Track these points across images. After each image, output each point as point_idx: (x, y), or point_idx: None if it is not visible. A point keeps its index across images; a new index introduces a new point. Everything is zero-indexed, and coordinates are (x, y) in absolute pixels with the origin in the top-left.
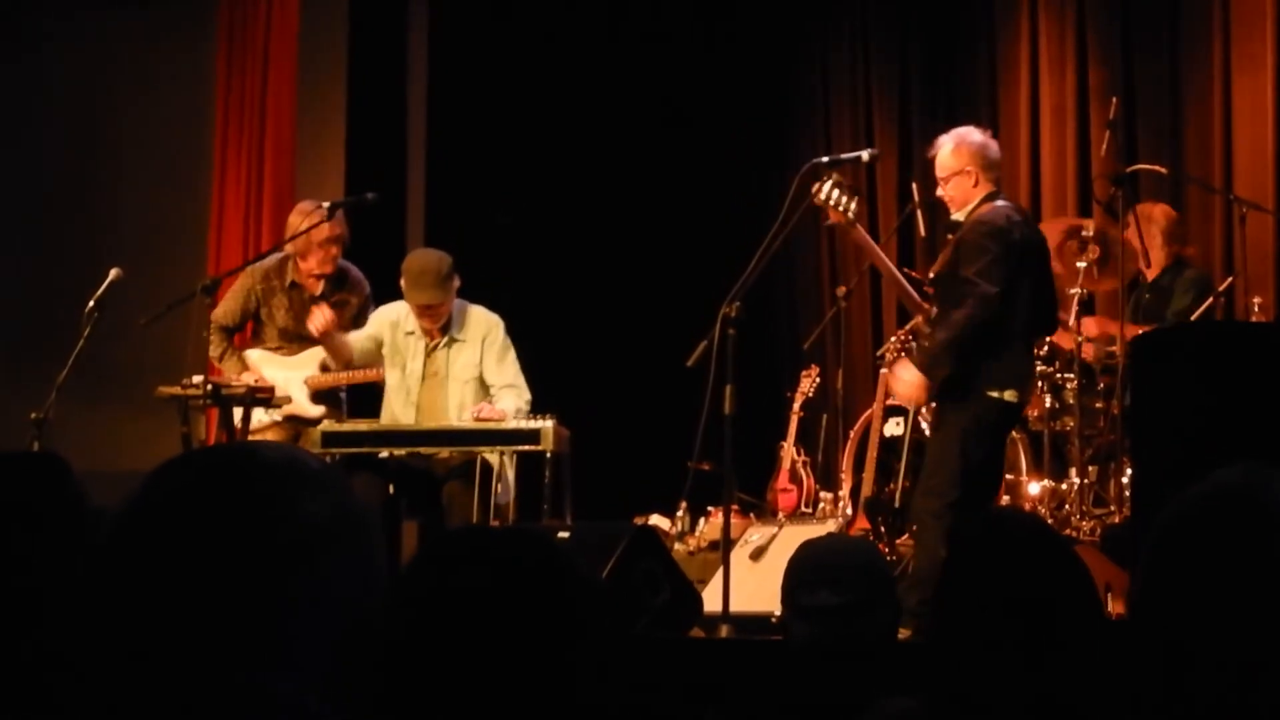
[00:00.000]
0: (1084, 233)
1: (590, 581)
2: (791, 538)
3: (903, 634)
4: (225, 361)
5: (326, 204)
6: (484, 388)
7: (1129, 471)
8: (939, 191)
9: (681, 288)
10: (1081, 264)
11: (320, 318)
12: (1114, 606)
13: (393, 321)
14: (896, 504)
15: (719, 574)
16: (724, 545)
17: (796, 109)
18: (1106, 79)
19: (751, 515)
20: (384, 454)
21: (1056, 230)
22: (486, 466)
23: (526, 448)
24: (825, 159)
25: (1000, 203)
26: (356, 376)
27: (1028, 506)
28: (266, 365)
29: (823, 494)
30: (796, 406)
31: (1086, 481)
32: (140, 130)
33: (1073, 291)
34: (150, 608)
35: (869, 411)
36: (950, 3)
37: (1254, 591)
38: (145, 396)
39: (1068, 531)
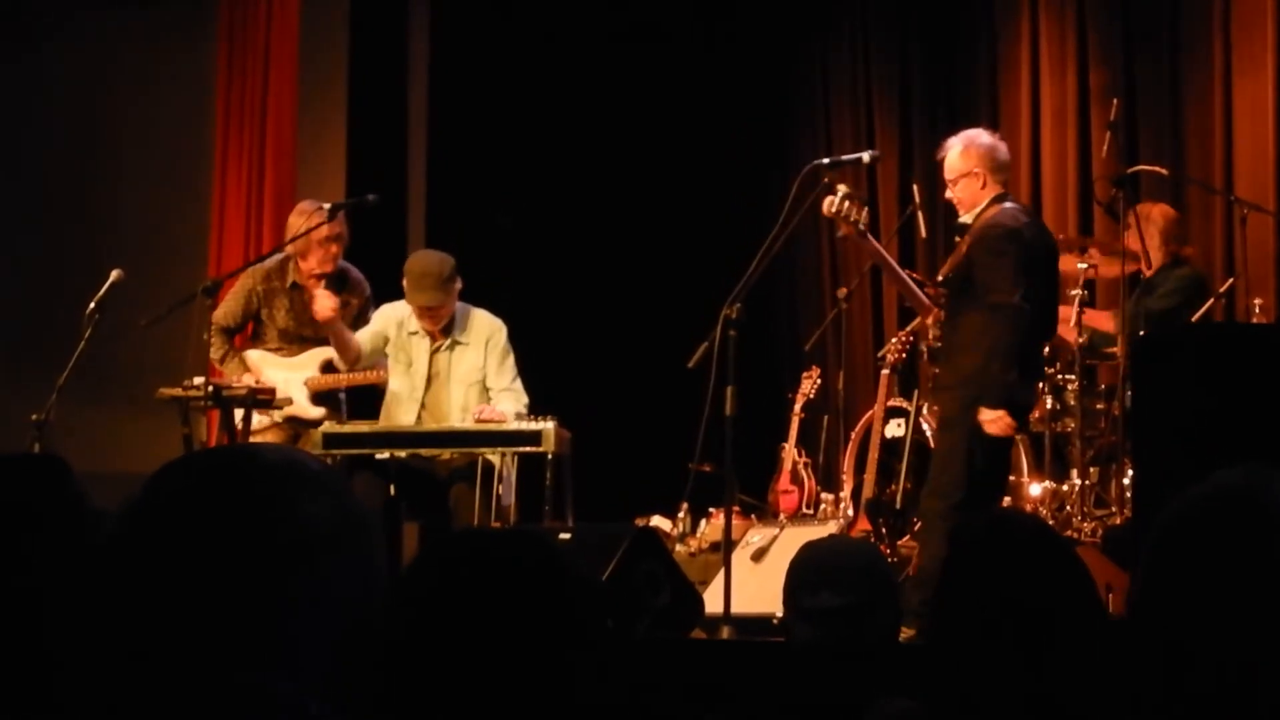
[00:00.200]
0: (1084, 263)
1: (589, 583)
2: (793, 539)
3: (906, 634)
4: (227, 364)
5: (327, 205)
6: (486, 391)
7: (1130, 473)
8: (948, 193)
9: (682, 289)
10: (1082, 265)
11: (324, 301)
12: (1115, 607)
13: (398, 320)
14: (898, 505)
15: (720, 575)
16: (725, 546)
17: (797, 109)
18: (1107, 80)
19: (753, 516)
20: (384, 455)
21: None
22: (488, 468)
23: (527, 449)
24: (826, 160)
25: (1009, 204)
26: (357, 378)
27: (1029, 508)
28: (267, 366)
29: (824, 495)
30: (797, 408)
31: (1087, 483)
32: (141, 131)
33: (1074, 293)
34: (151, 608)
35: (870, 413)
36: (951, 3)
37: (1254, 592)
38: (146, 398)
39: (1069, 533)
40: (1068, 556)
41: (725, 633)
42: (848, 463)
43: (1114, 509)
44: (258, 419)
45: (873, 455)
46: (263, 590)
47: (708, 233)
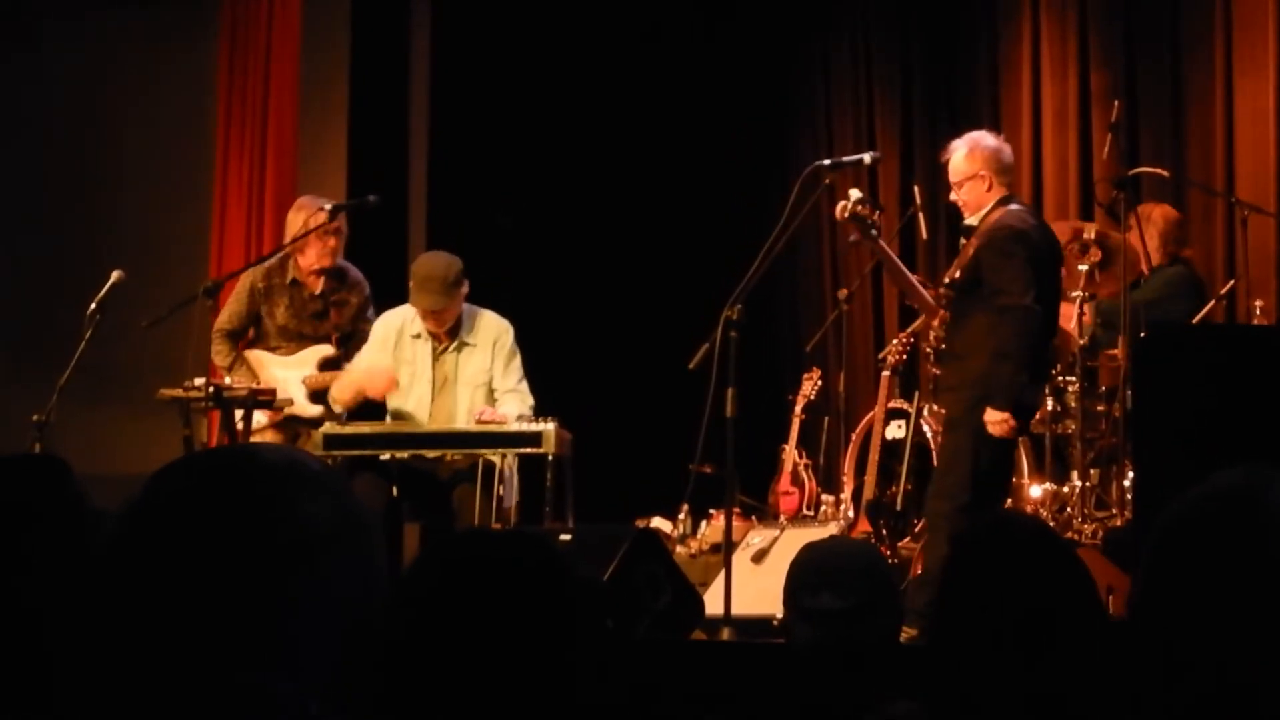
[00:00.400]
0: (1085, 235)
1: (590, 584)
2: (793, 540)
3: (911, 634)
4: (236, 370)
5: (328, 205)
6: (493, 393)
7: (1131, 474)
8: (952, 196)
9: (683, 290)
10: (1083, 267)
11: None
12: (1116, 609)
13: (398, 326)
14: (898, 507)
15: (721, 576)
16: (726, 548)
17: (797, 110)
18: (1108, 82)
19: (753, 518)
20: (385, 456)
21: (1058, 234)
22: (490, 469)
23: (528, 450)
24: (827, 162)
25: (1015, 206)
26: None
27: (1029, 509)
28: (267, 365)
29: (824, 497)
30: (798, 409)
31: (1088, 484)
32: (142, 131)
33: (1075, 295)
34: (151, 609)
35: (871, 414)
36: (952, 4)
37: (1254, 592)
38: (146, 399)
39: (1069, 534)
40: (1068, 558)
41: (725, 634)
42: (848, 464)
43: (1115, 511)
44: (257, 419)
45: (873, 457)
46: (263, 590)
47: (708, 234)
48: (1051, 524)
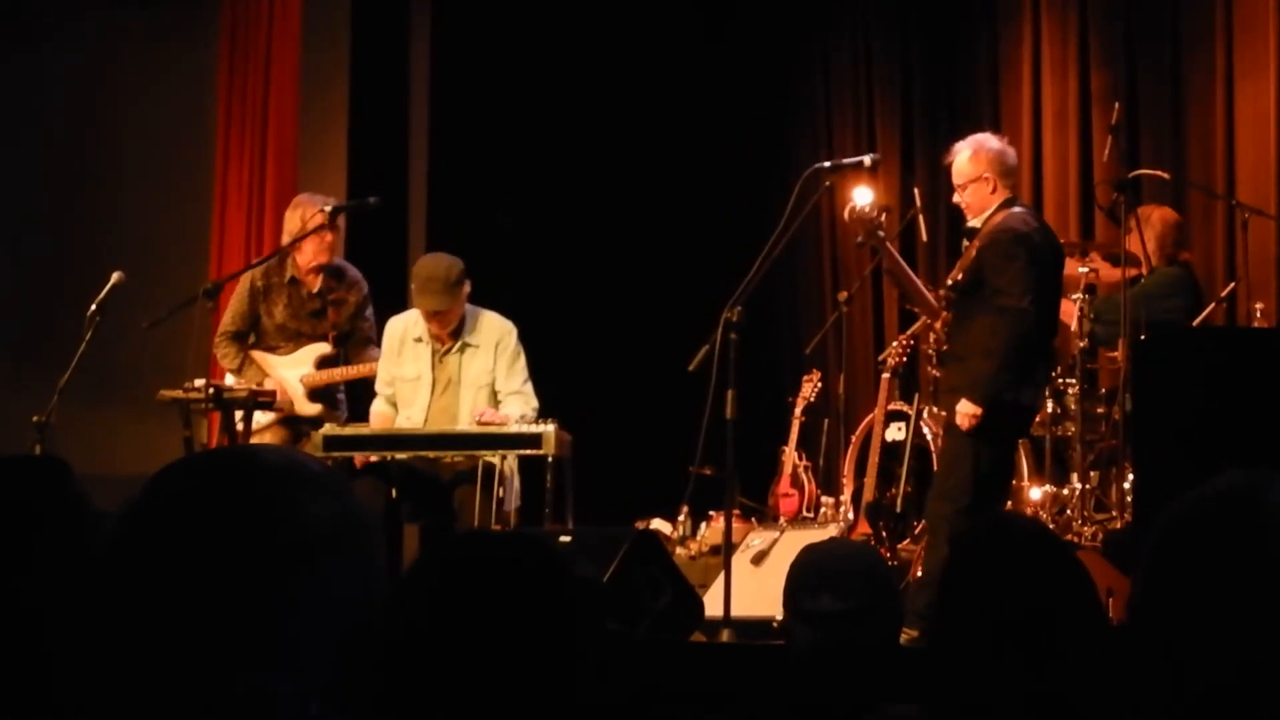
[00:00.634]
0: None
1: (590, 585)
2: (793, 542)
3: (911, 636)
4: (245, 371)
5: (328, 205)
6: (495, 394)
7: (1131, 477)
8: (955, 198)
9: (683, 292)
10: (1083, 269)
11: None
12: (1115, 612)
13: (401, 332)
14: (898, 509)
15: (720, 578)
16: (725, 550)
17: (798, 111)
18: (1109, 83)
19: (753, 520)
20: (387, 457)
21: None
22: (490, 470)
23: (528, 452)
24: (827, 164)
25: (1018, 209)
26: (351, 373)
27: (1029, 511)
28: (274, 366)
29: (824, 499)
30: (798, 411)
31: (1088, 486)
32: (142, 131)
33: (1075, 297)
34: (152, 609)
35: (870, 416)
36: (952, 5)
37: (1254, 594)
38: (147, 400)
39: (1069, 537)
40: (1068, 560)
41: (725, 636)
42: (848, 466)
43: (1114, 513)
44: (259, 419)
45: (873, 459)
46: (263, 590)
47: (708, 235)
48: (1051, 526)
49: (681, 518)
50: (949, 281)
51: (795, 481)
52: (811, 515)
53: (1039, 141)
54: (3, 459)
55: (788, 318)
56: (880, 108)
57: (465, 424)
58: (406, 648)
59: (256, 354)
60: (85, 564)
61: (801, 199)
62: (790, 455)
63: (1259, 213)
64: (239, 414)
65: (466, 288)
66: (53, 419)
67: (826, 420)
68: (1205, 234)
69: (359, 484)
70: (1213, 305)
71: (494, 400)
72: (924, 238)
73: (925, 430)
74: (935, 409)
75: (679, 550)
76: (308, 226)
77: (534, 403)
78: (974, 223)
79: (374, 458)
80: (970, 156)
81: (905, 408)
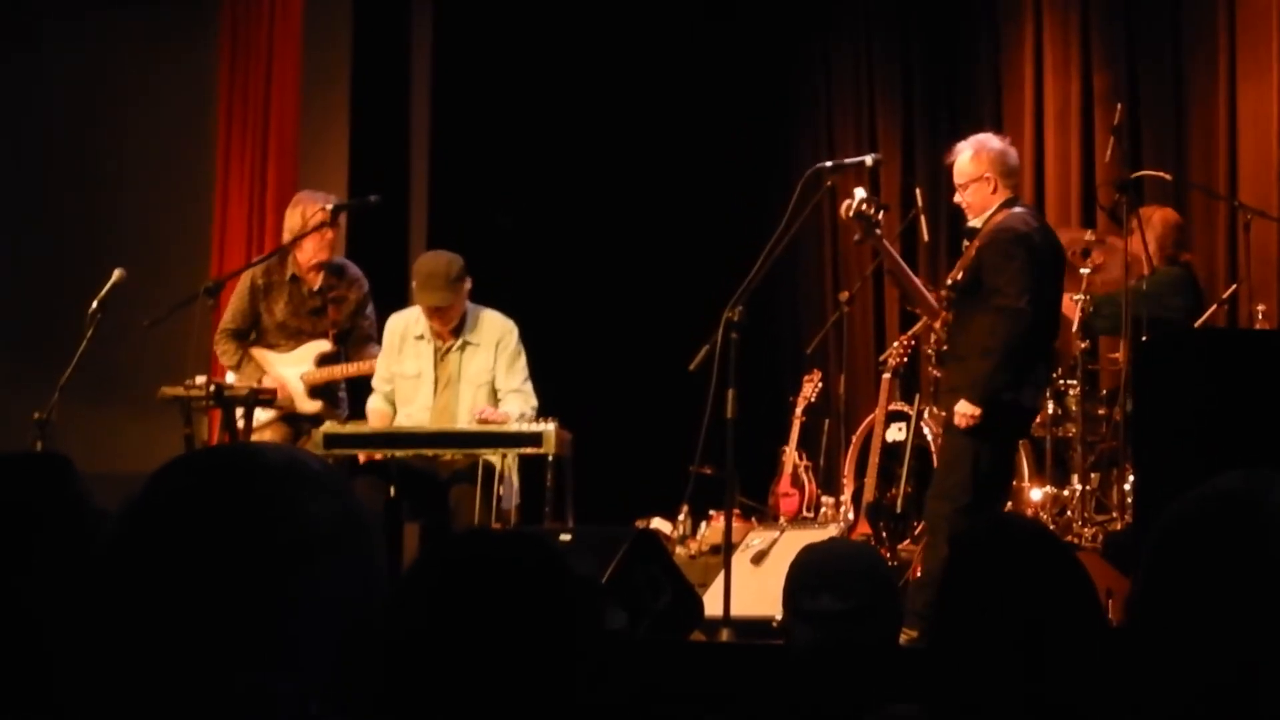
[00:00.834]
0: (1087, 236)
1: (589, 584)
2: (793, 542)
3: (911, 636)
4: (244, 369)
5: (330, 203)
6: (495, 393)
7: (1131, 478)
8: (957, 198)
9: (684, 291)
10: (1085, 270)
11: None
12: (1115, 613)
13: (401, 330)
14: (898, 509)
15: (720, 578)
16: (725, 549)
17: (799, 111)
18: (1111, 84)
19: (753, 519)
20: (388, 455)
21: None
22: (490, 469)
23: (529, 450)
24: (828, 164)
25: (1019, 209)
26: (351, 370)
27: (1030, 512)
28: (274, 364)
29: (824, 498)
30: (798, 411)
31: (1088, 488)
32: (143, 130)
33: (1076, 298)
34: (152, 608)
35: (871, 416)
36: (954, 5)
37: (1254, 595)
38: (147, 398)
39: (1069, 538)
40: (1068, 561)
41: (725, 635)
42: (848, 466)
43: (1115, 514)
44: (259, 416)
45: (873, 459)
46: (263, 590)
47: (709, 235)
48: (1051, 527)
49: (681, 517)
50: (949, 281)
51: (795, 481)
52: (811, 515)
53: (1041, 142)
54: (4, 456)
55: (789, 317)
56: (881, 108)
57: (465, 422)
58: (406, 647)
59: (256, 351)
60: (85, 562)
61: (803, 199)
62: (790, 455)
63: (1261, 214)
64: (239, 411)
65: (467, 284)
66: (53, 416)
67: (827, 420)
68: (1207, 235)
69: (358, 482)
70: (1214, 307)
71: (494, 398)
72: (925, 238)
73: (926, 430)
74: (936, 409)
75: (679, 550)
76: (309, 224)
77: (534, 401)
78: (974, 222)
79: (377, 456)
80: (972, 156)
81: (906, 408)
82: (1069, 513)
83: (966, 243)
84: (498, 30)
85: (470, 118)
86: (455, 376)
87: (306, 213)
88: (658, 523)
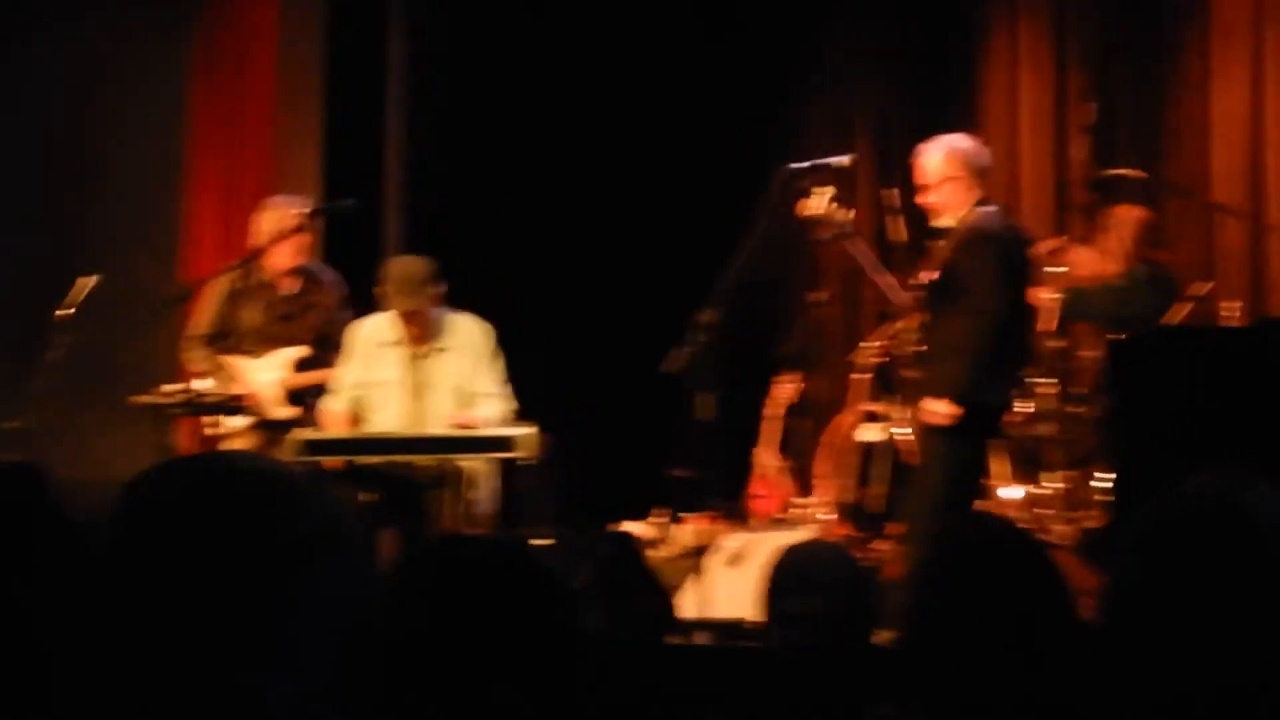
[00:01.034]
0: (1062, 237)
1: (567, 588)
2: (767, 543)
3: (885, 637)
4: (215, 376)
5: (305, 209)
6: (471, 397)
7: (1104, 476)
8: (919, 198)
9: (659, 294)
10: (1059, 269)
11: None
12: (1090, 611)
13: (368, 336)
14: (872, 509)
15: (695, 580)
16: (701, 551)
17: (775, 113)
18: (1085, 83)
19: (727, 521)
20: (362, 461)
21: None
22: (467, 474)
23: (505, 455)
24: (802, 165)
25: (991, 208)
26: (327, 375)
27: (1003, 511)
28: (246, 370)
29: (798, 499)
30: (772, 412)
31: (1062, 486)
32: (116, 134)
33: (1051, 297)
34: (151, 611)
35: (844, 416)
36: (929, 7)
37: (1231, 594)
38: (120, 404)
39: (1043, 536)
40: (1043, 560)
41: (700, 637)
42: (822, 467)
43: (1089, 512)
44: (233, 423)
45: (849, 460)
46: (262, 591)
47: (685, 237)
48: (1027, 526)
49: (658, 520)
50: (921, 281)
51: (770, 482)
52: (785, 516)
53: (1015, 141)
54: None
55: (763, 318)
56: (857, 108)
57: (440, 427)
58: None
59: (228, 359)
60: (78, 568)
61: (777, 200)
62: (764, 456)
63: (1233, 212)
64: (211, 418)
65: (440, 289)
66: (27, 424)
67: (802, 421)
68: (1180, 233)
69: (334, 485)
70: (1188, 305)
71: (469, 403)
72: (899, 238)
73: (901, 431)
74: (910, 409)
75: (653, 552)
76: (284, 229)
77: (511, 405)
78: (945, 222)
79: (359, 460)
80: (944, 157)
81: (880, 408)
82: (1043, 511)
83: (935, 243)
84: (472, 34)
85: (446, 120)
86: (430, 382)
87: (280, 218)
88: (634, 525)
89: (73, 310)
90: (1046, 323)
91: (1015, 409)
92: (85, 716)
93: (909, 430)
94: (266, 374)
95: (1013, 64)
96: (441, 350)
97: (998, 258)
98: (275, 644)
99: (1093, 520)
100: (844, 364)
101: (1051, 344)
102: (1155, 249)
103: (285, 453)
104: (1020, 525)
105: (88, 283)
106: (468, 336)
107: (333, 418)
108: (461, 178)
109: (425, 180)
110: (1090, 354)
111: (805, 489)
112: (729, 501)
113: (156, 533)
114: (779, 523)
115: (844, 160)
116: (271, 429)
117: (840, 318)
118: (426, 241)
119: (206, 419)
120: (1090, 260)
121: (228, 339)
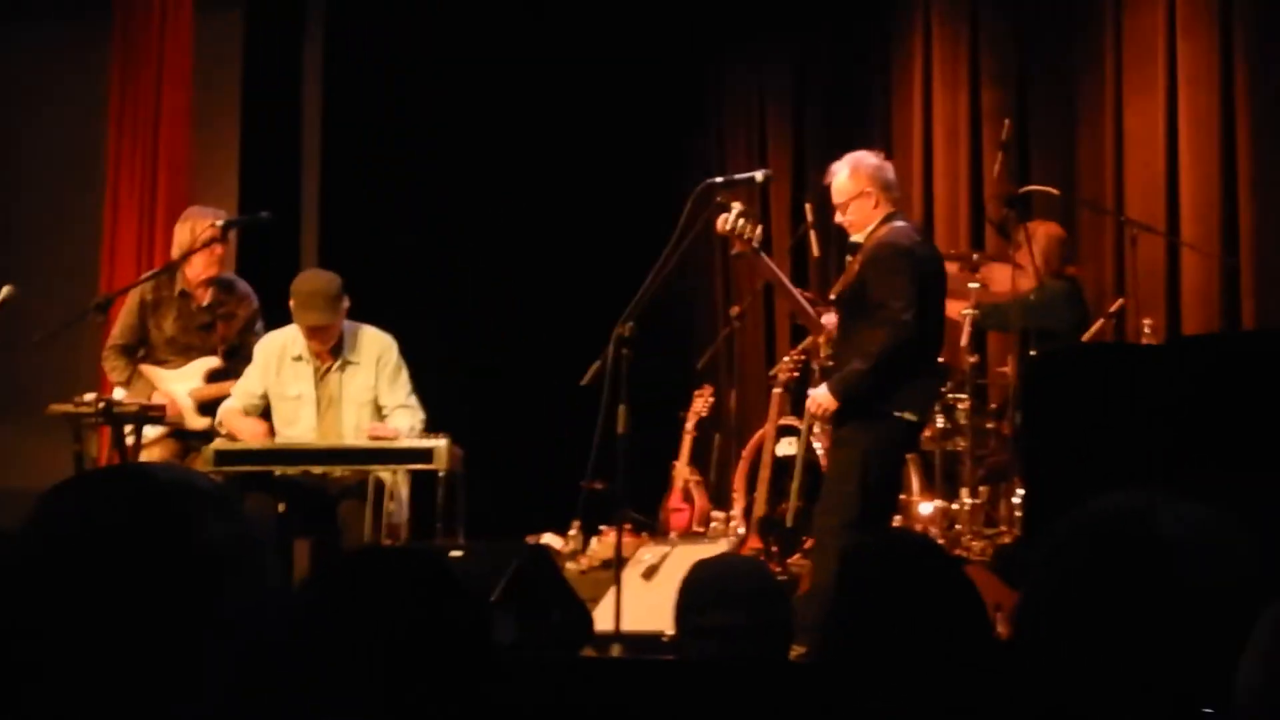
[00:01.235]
0: (974, 257)
1: (479, 600)
2: (684, 557)
3: (798, 651)
4: (133, 385)
5: (220, 221)
6: (379, 410)
7: (1020, 492)
8: (837, 218)
9: (576, 307)
10: (973, 285)
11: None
12: (1003, 627)
13: (278, 349)
14: (789, 523)
15: (611, 593)
16: (616, 564)
17: (690, 127)
18: (1000, 100)
19: (644, 534)
20: (277, 472)
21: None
22: (380, 485)
23: (420, 466)
24: (719, 179)
25: (900, 223)
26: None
27: (919, 526)
28: (163, 380)
29: (715, 513)
30: (689, 426)
31: (978, 502)
32: (32, 144)
33: (965, 312)
34: (50, 633)
35: (762, 431)
36: (844, 22)
37: (1140, 613)
38: (38, 414)
39: (958, 551)
40: (957, 575)
41: (616, 650)
42: (739, 481)
43: (1004, 528)
44: (148, 433)
45: (764, 473)
46: (163, 612)
47: (601, 250)
48: (941, 541)
49: (573, 532)
50: (832, 296)
51: (686, 496)
52: (702, 530)
53: (930, 157)
54: None
55: (680, 333)
56: (772, 123)
57: (352, 440)
58: (300, 664)
59: (145, 368)
60: None
61: (693, 214)
62: (681, 470)
63: (1148, 229)
64: (129, 428)
65: (346, 303)
66: None
67: (718, 435)
68: (1095, 250)
69: (248, 498)
70: (1102, 321)
71: (378, 416)
72: (816, 253)
73: (816, 445)
74: (825, 424)
75: (570, 565)
76: (198, 240)
77: (421, 414)
78: (857, 238)
79: (278, 471)
80: (850, 174)
81: (796, 422)
82: (958, 526)
83: (849, 258)
84: (389, 47)
85: (363, 133)
86: (337, 396)
87: (196, 228)
88: (549, 538)
89: None
90: (961, 338)
91: (931, 423)
92: None
93: (825, 445)
94: (184, 384)
95: (927, 81)
96: (347, 364)
97: (911, 271)
98: (176, 665)
99: (1007, 536)
100: (762, 378)
101: (966, 359)
102: (1069, 265)
103: (201, 463)
104: (935, 540)
105: (4, 292)
106: (372, 349)
107: (230, 414)
108: (378, 191)
109: (342, 193)
110: (1005, 369)
111: (723, 503)
112: (646, 515)
113: (70, 544)
114: (696, 536)
115: (758, 176)
116: (188, 439)
117: (760, 332)
118: (343, 254)
119: (125, 428)
120: (1005, 275)
121: (145, 349)
